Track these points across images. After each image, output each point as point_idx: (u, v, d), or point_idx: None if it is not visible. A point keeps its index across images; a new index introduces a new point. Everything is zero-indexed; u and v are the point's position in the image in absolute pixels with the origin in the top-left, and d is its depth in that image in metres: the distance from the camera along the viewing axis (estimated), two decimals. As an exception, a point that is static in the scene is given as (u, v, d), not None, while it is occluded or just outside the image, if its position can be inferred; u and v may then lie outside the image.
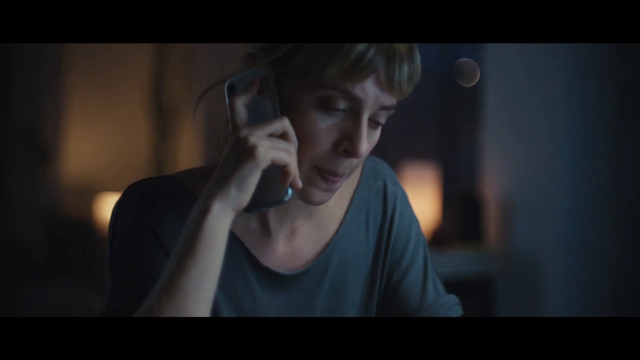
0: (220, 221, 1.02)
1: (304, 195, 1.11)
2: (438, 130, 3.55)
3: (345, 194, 1.25)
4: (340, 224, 1.24)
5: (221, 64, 4.46)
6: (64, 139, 5.34)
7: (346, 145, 1.08)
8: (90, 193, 5.39)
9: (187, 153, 5.32)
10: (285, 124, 1.06)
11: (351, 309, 1.24)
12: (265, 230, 1.19)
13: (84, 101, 5.40)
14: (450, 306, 1.26)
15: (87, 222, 5.32)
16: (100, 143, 5.49)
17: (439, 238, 3.13)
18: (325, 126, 1.07)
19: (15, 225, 5.08)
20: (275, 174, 1.05)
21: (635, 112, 3.01)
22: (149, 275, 1.10)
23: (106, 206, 5.40)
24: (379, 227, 1.27)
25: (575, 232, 3.01)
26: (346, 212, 1.25)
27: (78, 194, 5.46)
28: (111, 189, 5.37)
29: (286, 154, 1.05)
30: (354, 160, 1.09)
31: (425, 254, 1.29)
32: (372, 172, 1.28)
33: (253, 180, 1.02)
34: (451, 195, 3.35)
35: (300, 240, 1.22)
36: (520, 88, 3.19)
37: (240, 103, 1.08)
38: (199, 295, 1.01)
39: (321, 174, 1.09)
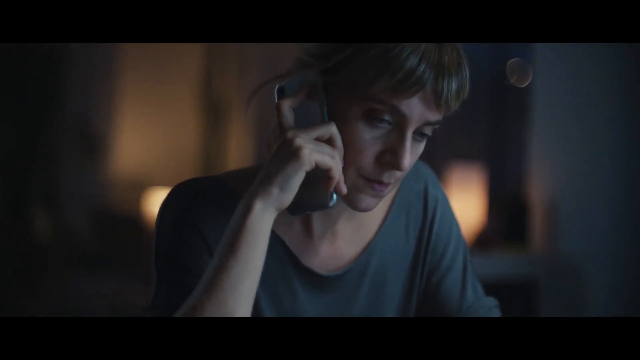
0: (262, 220, 1.04)
1: (350, 202, 1.12)
2: (485, 131, 3.53)
3: (386, 196, 1.24)
4: (381, 226, 1.25)
5: (272, 61, 4.48)
6: (115, 134, 5.41)
7: (389, 158, 1.09)
8: (140, 187, 5.46)
9: (237, 150, 5.36)
10: (332, 130, 1.08)
11: (390, 310, 1.25)
12: (308, 231, 1.20)
13: (135, 97, 5.47)
14: (489, 308, 1.28)
15: (136, 216, 5.38)
16: (150, 138, 5.55)
17: (484, 240, 3.12)
18: (370, 137, 1.08)
19: (65, 219, 5.17)
20: (322, 179, 1.07)
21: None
22: (193, 273, 1.12)
23: (155, 201, 5.46)
24: (419, 229, 1.27)
25: (622, 236, 2.98)
26: (387, 214, 1.26)
27: (128, 189, 5.53)
28: (160, 183, 5.43)
29: (330, 158, 1.06)
30: (398, 172, 1.10)
31: (465, 256, 1.29)
32: (413, 174, 1.29)
33: (296, 181, 1.04)
34: (497, 197, 3.33)
35: (341, 241, 1.22)
36: (569, 90, 3.16)
37: (288, 106, 1.10)
38: (240, 293, 1.03)
39: (368, 182, 1.10)
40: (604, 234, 3.01)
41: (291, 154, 1.04)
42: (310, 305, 1.20)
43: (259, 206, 1.04)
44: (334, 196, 1.08)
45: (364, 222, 1.24)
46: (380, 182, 1.10)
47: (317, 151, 1.05)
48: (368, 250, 1.23)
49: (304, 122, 1.10)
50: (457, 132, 3.58)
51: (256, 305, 1.15)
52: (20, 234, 4.95)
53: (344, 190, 1.08)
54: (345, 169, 1.09)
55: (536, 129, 3.25)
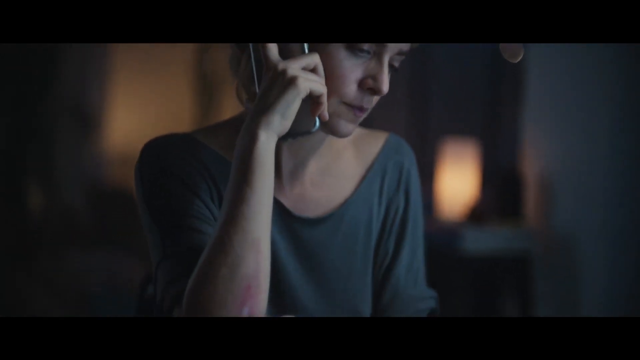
0: (268, 147, 1.12)
1: (331, 128, 1.21)
2: (479, 107, 3.54)
3: (365, 159, 1.35)
4: (358, 186, 1.33)
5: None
6: (109, 110, 5.40)
7: (370, 83, 1.18)
8: (133, 164, 5.45)
9: (230, 126, 5.35)
10: (316, 59, 1.15)
11: (358, 271, 1.31)
12: (277, 170, 1.25)
13: (128, 73, 5.45)
14: (428, 297, 1.35)
15: (130, 193, 5.38)
16: (144, 115, 5.55)
17: (478, 214, 3.14)
18: (351, 65, 1.17)
19: (60, 194, 5.16)
20: (303, 107, 1.14)
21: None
22: (189, 215, 1.19)
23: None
24: (390, 198, 1.35)
25: (616, 211, 3.00)
26: (365, 175, 1.34)
27: (122, 165, 5.52)
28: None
29: (321, 86, 1.14)
30: (375, 97, 1.20)
31: (422, 240, 1.38)
32: (396, 145, 1.37)
33: (295, 108, 1.12)
34: (491, 172, 3.34)
35: (311, 186, 1.30)
36: (563, 66, 3.17)
37: (271, 45, 1.15)
38: (262, 220, 1.10)
39: (349, 108, 1.19)
40: (598, 208, 3.02)
41: (288, 82, 1.11)
42: (283, 247, 1.26)
43: (263, 135, 1.11)
44: (317, 122, 1.17)
45: (339, 179, 1.32)
46: (361, 108, 1.19)
47: (310, 79, 1.12)
48: (344, 205, 1.30)
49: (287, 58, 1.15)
50: (452, 108, 3.58)
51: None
52: (15, 211, 4.95)
53: (327, 116, 1.16)
54: (327, 97, 1.17)
55: (531, 103, 3.26)
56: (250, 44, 1.18)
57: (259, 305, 1.10)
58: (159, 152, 1.24)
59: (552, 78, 3.21)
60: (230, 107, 5.33)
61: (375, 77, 1.18)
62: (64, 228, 4.97)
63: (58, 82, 5.09)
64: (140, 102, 5.56)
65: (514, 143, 3.35)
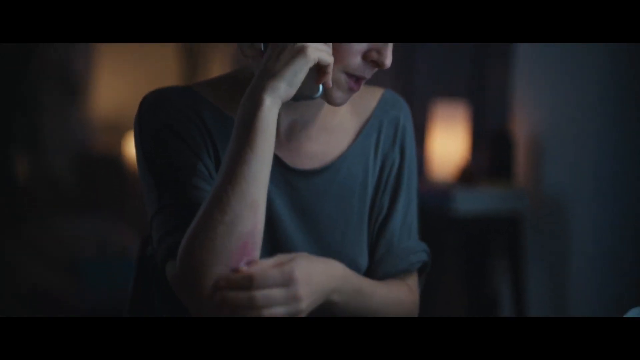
0: (272, 113, 1.14)
1: (328, 95, 1.22)
2: (468, 68, 3.53)
3: (361, 114, 1.37)
4: (354, 140, 1.35)
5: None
6: (95, 76, 5.37)
7: (375, 56, 1.20)
8: (120, 130, 5.43)
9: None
10: None
11: (354, 224, 1.33)
12: None
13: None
14: (420, 250, 1.38)
15: (116, 159, 5.37)
16: (130, 80, 5.52)
17: (468, 175, 3.14)
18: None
19: (46, 161, 5.14)
20: (307, 73, 1.16)
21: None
22: (186, 170, 1.21)
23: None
24: (385, 153, 1.37)
25: (606, 172, 3.01)
26: (360, 131, 1.36)
27: (109, 131, 5.50)
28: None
29: (329, 55, 1.16)
30: (376, 69, 1.22)
31: (415, 195, 1.40)
32: (391, 101, 1.40)
33: (301, 76, 1.14)
34: (481, 134, 3.35)
35: (307, 139, 1.31)
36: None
37: None
38: (260, 183, 1.13)
39: (349, 77, 1.21)
40: (588, 170, 3.03)
41: (297, 51, 1.13)
42: (279, 199, 1.27)
43: (268, 100, 1.13)
44: (321, 88, 1.19)
45: (336, 134, 1.34)
46: (361, 78, 1.22)
47: (319, 49, 1.14)
48: (340, 159, 1.33)
49: None
50: (442, 69, 3.58)
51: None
52: (2, 179, 4.92)
53: (330, 84, 1.19)
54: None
55: (520, 64, 3.26)
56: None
57: (254, 260, 1.13)
58: (158, 105, 1.25)
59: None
60: (216, 71, 5.31)
61: (379, 51, 1.19)
62: (52, 195, 4.95)
63: (43, 47, 5.04)
64: (127, 67, 5.53)
65: (503, 104, 3.35)
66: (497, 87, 3.39)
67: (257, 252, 1.13)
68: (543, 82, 3.18)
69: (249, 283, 1.09)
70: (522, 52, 3.25)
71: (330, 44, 1.17)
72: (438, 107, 3.23)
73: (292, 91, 1.15)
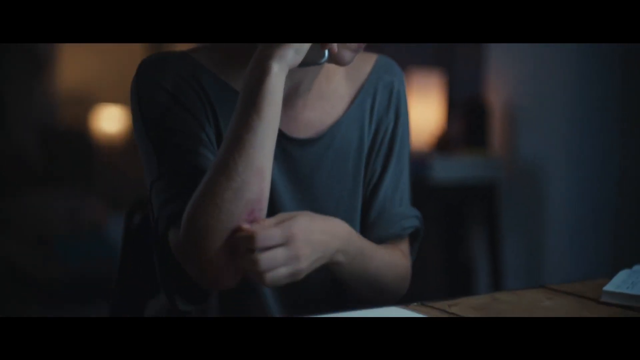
0: (280, 80, 1.12)
1: (336, 58, 1.21)
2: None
3: (356, 80, 1.35)
4: (349, 106, 1.33)
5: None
6: (60, 49, 5.29)
7: None
8: (86, 104, 5.37)
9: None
10: None
11: (349, 191, 1.33)
12: None
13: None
14: (412, 216, 1.37)
15: (83, 133, 5.31)
16: (96, 54, 5.45)
17: (444, 144, 3.15)
18: None
19: (12, 136, 5.07)
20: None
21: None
22: (186, 135, 1.20)
23: (102, 117, 5.38)
24: (380, 117, 1.36)
25: (580, 139, 3.03)
26: (355, 96, 1.34)
27: (75, 104, 5.44)
28: (107, 100, 5.35)
29: None
30: None
31: (407, 161, 1.39)
32: (385, 66, 1.39)
33: (309, 44, 1.13)
34: (457, 102, 3.35)
35: (303, 107, 1.30)
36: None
37: None
38: (267, 150, 1.12)
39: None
40: (562, 137, 3.05)
41: None
42: (276, 168, 1.26)
43: (276, 67, 1.12)
44: (326, 54, 1.18)
45: (332, 100, 1.33)
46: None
47: None
48: (336, 125, 1.31)
49: None
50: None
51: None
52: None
53: (336, 49, 1.18)
54: None
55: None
56: None
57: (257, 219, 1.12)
58: (158, 69, 1.23)
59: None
60: (181, 46, 5.24)
61: None
62: (20, 170, 4.89)
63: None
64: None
65: (478, 72, 3.35)
66: (471, 56, 3.39)
67: (263, 217, 1.13)
68: (517, 51, 3.19)
69: (250, 243, 1.08)
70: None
71: None
72: (413, 76, 3.23)
73: (299, 58, 1.14)
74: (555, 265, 3.07)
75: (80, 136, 5.24)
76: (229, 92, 1.24)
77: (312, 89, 1.30)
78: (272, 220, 1.12)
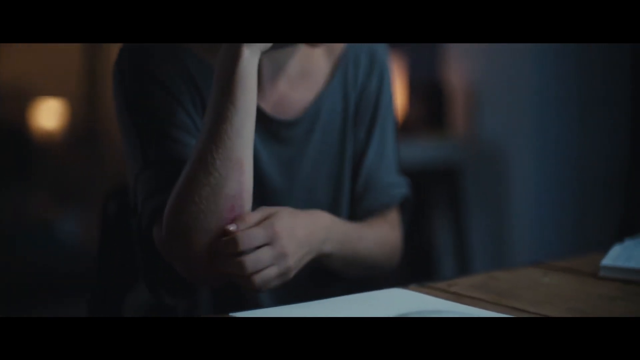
0: (251, 64, 1.06)
1: None
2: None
3: (335, 50, 1.30)
4: (331, 78, 1.28)
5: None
6: (-3, 41, 5.15)
7: None
8: (25, 98, 5.26)
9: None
10: None
11: (337, 163, 1.29)
12: (258, 72, 1.21)
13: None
14: (401, 185, 1.35)
15: (22, 128, 5.21)
16: (32, 47, 5.33)
17: (405, 126, 3.13)
18: None
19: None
20: None
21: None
22: (171, 124, 1.14)
23: (41, 112, 5.28)
24: (363, 82, 1.31)
25: (541, 119, 3.04)
26: (336, 67, 1.29)
27: (12, 99, 5.32)
28: (45, 93, 5.25)
29: None
30: None
31: (394, 128, 1.37)
32: None
33: None
34: (418, 84, 3.32)
35: (289, 88, 1.25)
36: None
37: None
38: (244, 138, 1.06)
39: None
40: (523, 119, 3.06)
41: None
42: (265, 153, 1.22)
43: (247, 52, 1.06)
44: None
45: (311, 71, 1.28)
46: None
47: None
48: (318, 98, 1.27)
49: None
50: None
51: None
52: None
53: None
54: None
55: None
56: None
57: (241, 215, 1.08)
58: (140, 53, 1.18)
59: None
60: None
61: None
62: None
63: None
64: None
65: (439, 54, 3.34)
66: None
67: (245, 211, 1.08)
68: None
69: (233, 247, 1.04)
70: None
71: None
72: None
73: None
74: (520, 244, 3.08)
75: (18, 132, 5.13)
76: (211, 73, 1.17)
77: (296, 68, 1.26)
78: (255, 215, 1.08)
